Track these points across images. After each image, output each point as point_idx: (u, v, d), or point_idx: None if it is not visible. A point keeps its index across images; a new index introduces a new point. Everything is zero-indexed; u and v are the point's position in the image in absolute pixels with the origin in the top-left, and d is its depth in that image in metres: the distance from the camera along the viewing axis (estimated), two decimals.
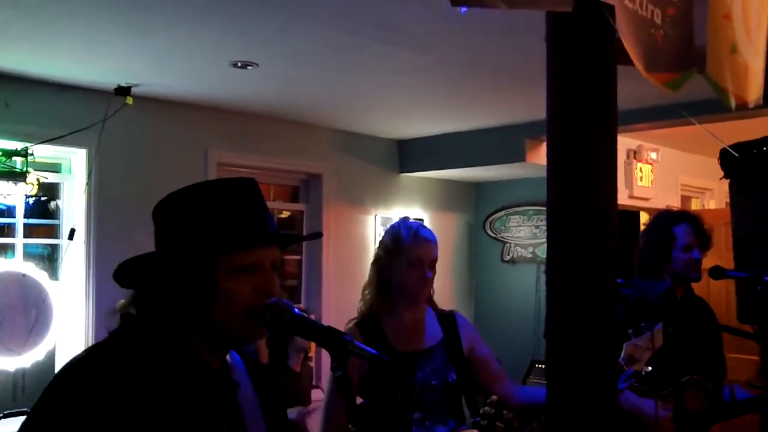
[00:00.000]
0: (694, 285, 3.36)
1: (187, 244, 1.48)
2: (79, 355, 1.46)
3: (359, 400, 2.62)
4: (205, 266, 1.45)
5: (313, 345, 4.54)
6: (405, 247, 2.70)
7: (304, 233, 6.50)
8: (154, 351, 1.44)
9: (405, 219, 2.89)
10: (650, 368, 2.64)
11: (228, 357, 1.59)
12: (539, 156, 6.09)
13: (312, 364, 4.61)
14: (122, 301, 1.52)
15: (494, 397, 2.27)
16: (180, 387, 1.42)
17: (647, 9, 1.60)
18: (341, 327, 2.63)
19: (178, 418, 1.40)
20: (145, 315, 1.48)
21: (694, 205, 8.40)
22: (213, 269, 1.45)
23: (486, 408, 2.23)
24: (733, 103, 1.91)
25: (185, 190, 1.53)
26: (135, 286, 1.51)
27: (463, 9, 1.32)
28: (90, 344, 4.76)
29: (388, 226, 6.80)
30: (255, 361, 1.69)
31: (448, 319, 2.84)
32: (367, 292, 2.83)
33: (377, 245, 2.88)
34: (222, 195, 1.52)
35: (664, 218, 3.38)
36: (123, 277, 1.50)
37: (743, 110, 1.99)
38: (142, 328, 1.47)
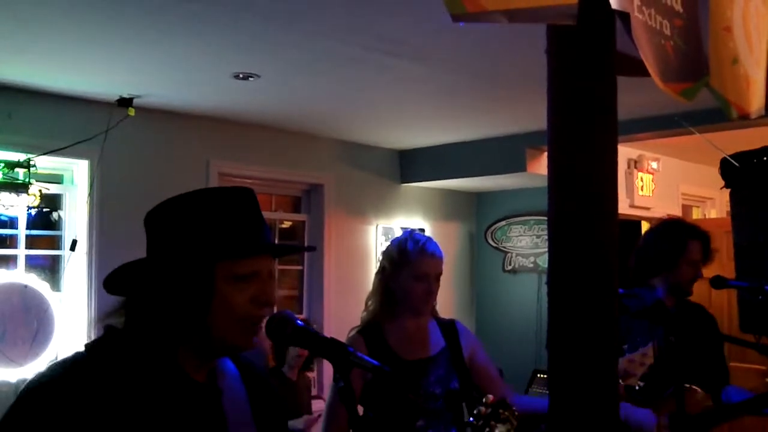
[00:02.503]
0: (694, 292, 3.36)
1: (187, 249, 1.46)
2: (44, 371, 1.41)
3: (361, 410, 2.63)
4: (205, 272, 1.44)
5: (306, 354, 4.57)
6: (411, 260, 2.72)
7: (306, 244, 6.51)
8: (133, 363, 1.40)
9: (412, 231, 2.90)
10: (643, 383, 2.65)
11: (219, 364, 1.57)
12: (540, 165, 6.10)
13: (314, 374, 4.63)
14: (110, 309, 1.50)
15: (490, 396, 2.24)
16: (159, 399, 1.39)
17: (656, 20, 1.61)
18: (343, 337, 2.64)
19: (152, 428, 1.37)
20: (130, 324, 1.46)
21: (695, 215, 8.40)
22: (212, 276, 1.44)
23: (481, 408, 2.19)
24: (735, 114, 1.92)
25: (183, 196, 1.51)
26: (124, 293, 1.49)
27: (462, 23, 1.32)
28: None
29: (390, 236, 6.80)
30: (252, 368, 1.67)
31: (449, 327, 2.87)
32: (370, 302, 2.84)
33: (382, 255, 2.88)
34: (223, 202, 1.51)
35: (679, 227, 3.36)
36: (112, 284, 1.48)
37: (745, 120, 2.00)
38: (122, 339, 1.44)
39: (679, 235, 3.31)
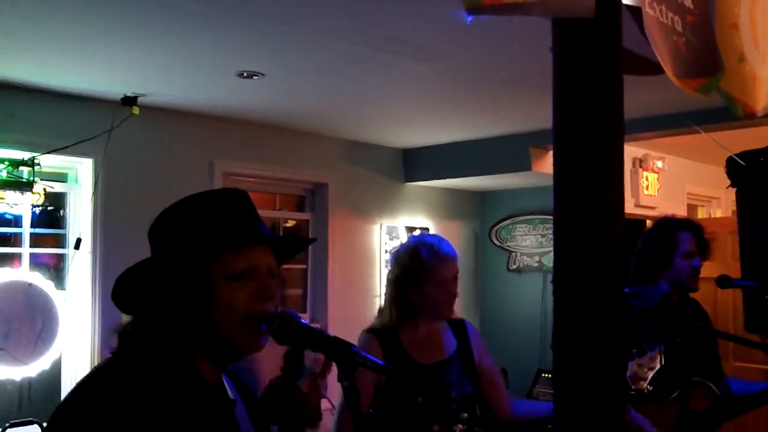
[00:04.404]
0: (700, 291, 3.36)
1: (181, 251, 1.48)
2: (85, 377, 1.46)
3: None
4: (200, 271, 1.45)
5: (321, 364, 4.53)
6: (429, 268, 2.64)
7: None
8: (156, 368, 1.42)
9: (422, 235, 2.83)
10: (651, 387, 2.65)
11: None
12: (545, 165, 6.09)
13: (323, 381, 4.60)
14: (125, 318, 1.52)
15: (460, 426, 2.32)
16: (182, 404, 1.41)
17: (667, 16, 1.60)
18: (347, 336, 2.62)
19: None
20: (144, 331, 1.47)
21: (701, 214, 8.38)
22: (208, 275, 1.45)
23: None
24: (742, 112, 1.91)
25: (175, 204, 1.54)
26: (134, 307, 1.50)
27: (469, 18, 1.30)
28: (96, 353, 4.79)
29: (394, 235, 6.73)
30: (240, 380, 1.68)
31: (459, 327, 2.83)
32: (385, 312, 2.75)
33: (394, 263, 2.77)
34: (212, 202, 1.53)
35: (668, 223, 3.41)
36: (121, 298, 1.50)
37: (752, 119, 1.98)
38: (141, 346, 1.46)
39: (668, 229, 3.33)
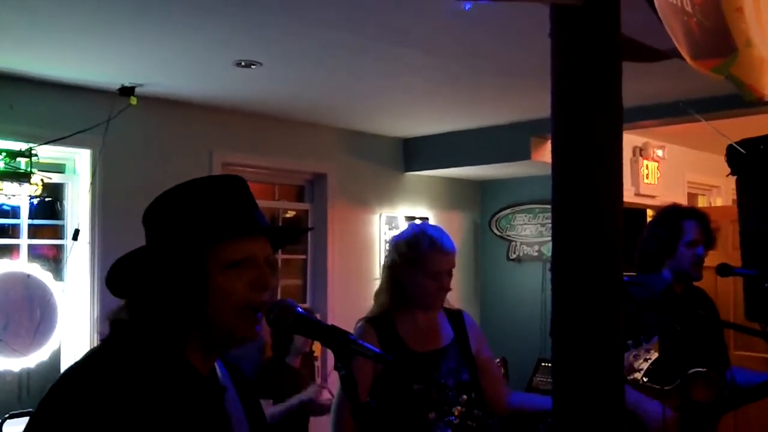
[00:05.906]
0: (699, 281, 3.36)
1: (176, 238, 1.46)
2: (75, 363, 1.45)
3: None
4: (196, 259, 1.43)
5: (318, 346, 4.54)
6: (424, 258, 2.67)
7: (309, 234, 6.49)
8: (145, 357, 1.41)
9: (423, 225, 2.83)
10: (647, 379, 2.66)
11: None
12: (544, 154, 6.08)
13: (318, 363, 4.62)
14: (117, 307, 1.51)
15: (459, 408, 2.35)
16: (170, 393, 1.40)
17: None
18: (346, 326, 2.62)
19: (168, 425, 1.37)
20: (136, 319, 1.46)
21: (701, 203, 8.38)
22: (204, 263, 1.43)
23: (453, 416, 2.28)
24: (752, 97, 1.90)
25: (171, 189, 1.52)
26: (127, 292, 1.49)
27: (467, 5, 1.29)
28: (95, 344, 4.78)
29: (394, 225, 6.72)
30: (236, 368, 1.67)
31: (456, 317, 2.84)
32: (380, 297, 2.79)
33: (392, 248, 2.80)
34: (210, 189, 1.51)
35: (673, 211, 3.40)
36: (115, 283, 1.49)
37: (760, 104, 1.97)
38: (133, 334, 1.45)
39: (673, 218, 3.33)
